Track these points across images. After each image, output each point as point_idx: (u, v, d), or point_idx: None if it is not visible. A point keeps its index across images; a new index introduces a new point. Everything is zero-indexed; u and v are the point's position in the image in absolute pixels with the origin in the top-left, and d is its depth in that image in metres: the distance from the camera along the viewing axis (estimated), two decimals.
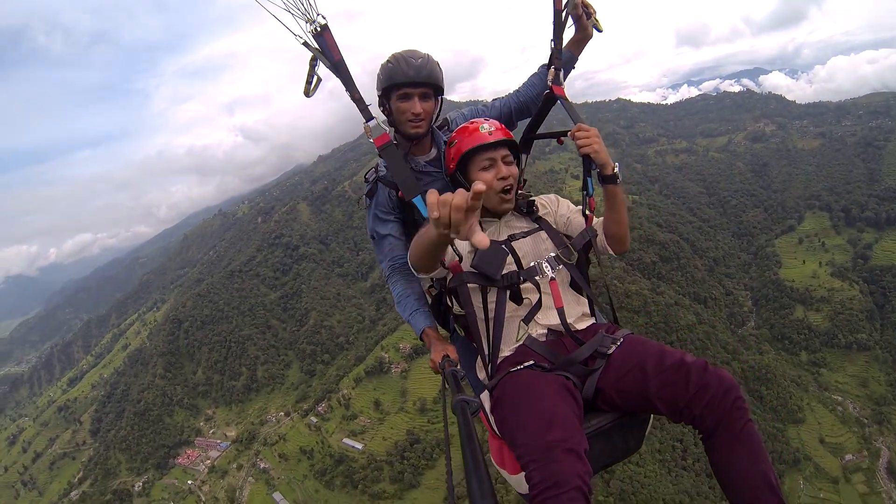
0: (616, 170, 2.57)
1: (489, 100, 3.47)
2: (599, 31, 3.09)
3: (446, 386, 2.19)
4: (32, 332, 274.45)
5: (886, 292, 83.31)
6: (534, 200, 2.86)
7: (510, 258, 2.58)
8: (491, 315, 2.51)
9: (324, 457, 72.05)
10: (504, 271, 2.53)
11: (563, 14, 2.94)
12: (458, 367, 2.36)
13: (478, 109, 3.20)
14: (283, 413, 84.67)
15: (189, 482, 77.89)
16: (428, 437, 67.57)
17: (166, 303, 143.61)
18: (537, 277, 2.56)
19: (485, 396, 2.46)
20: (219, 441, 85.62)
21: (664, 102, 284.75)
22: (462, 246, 2.58)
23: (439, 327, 2.88)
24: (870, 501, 58.08)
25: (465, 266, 2.57)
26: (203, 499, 73.88)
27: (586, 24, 3.00)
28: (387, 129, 2.83)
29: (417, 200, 2.59)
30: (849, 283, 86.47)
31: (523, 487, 1.96)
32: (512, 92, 3.25)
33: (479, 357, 2.66)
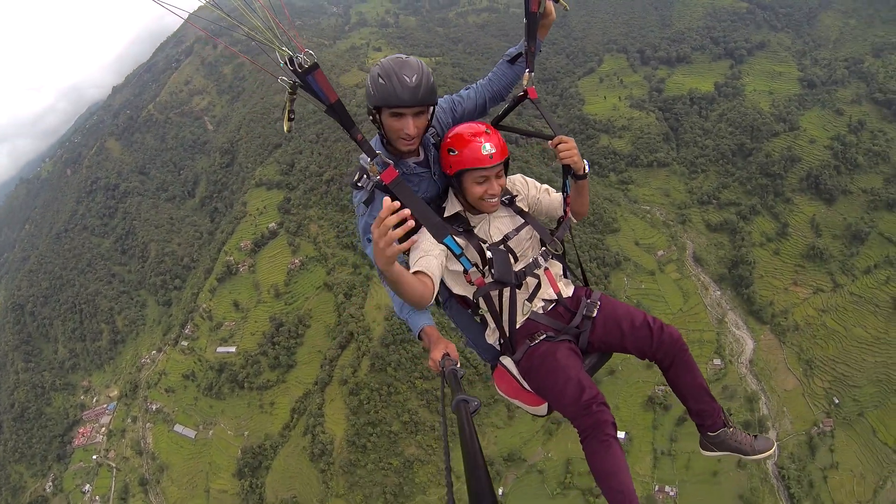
0: (587, 169, 3.15)
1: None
2: (566, 9, 3.19)
3: (446, 385, 2.36)
4: None
5: (678, 117, 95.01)
6: (510, 192, 3.27)
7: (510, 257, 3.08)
8: (506, 304, 3.05)
9: (206, 373, 71.60)
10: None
11: (538, 14, 3.01)
12: (458, 365, 2.56)
13: (454, 100, 3.31)
14: (154, 351, 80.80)
15: (94, 457, 74.70)
16: (289, 318, 68.51)
17: None
18: (537, 270, 3.14)
19: (506, 360, 3.10)
20: (105, 405, 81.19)
21: None
22: (476, 259, 2.97)
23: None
24: (682, 284, 71.79)
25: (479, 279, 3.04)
26: (114, 465, 72.06)
27: (552, 9, 3.10)
28: (390, 161, 2.84)
29: (449, 241, 2.71)
30: (646, 113, 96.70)
31: (541, 412, 3.03)
32: (484, 81, 3.43)
33: (487, 326, 3.26)
